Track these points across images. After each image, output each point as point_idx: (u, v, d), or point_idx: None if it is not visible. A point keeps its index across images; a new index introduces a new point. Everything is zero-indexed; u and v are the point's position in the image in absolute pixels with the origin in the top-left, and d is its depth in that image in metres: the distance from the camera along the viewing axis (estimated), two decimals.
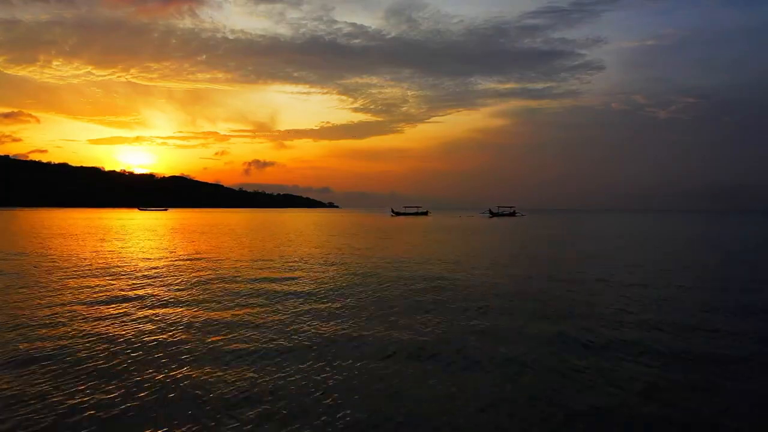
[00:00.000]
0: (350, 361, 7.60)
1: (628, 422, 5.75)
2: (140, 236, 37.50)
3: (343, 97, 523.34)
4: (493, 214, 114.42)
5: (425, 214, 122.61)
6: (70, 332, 9.07)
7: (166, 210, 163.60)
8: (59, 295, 12.91)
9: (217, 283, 15.07)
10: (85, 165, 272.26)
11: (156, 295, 13.08)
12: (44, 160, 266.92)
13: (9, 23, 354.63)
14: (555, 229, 59.00)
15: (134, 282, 15.28)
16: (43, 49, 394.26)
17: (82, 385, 6.52)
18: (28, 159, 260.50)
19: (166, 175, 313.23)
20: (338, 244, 31.69)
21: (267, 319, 10.35)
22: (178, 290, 13.74)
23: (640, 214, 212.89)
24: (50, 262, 19.92)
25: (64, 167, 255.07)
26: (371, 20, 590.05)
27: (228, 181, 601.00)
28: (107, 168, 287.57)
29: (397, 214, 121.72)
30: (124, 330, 9.33)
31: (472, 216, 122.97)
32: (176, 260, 21.10)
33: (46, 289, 13.65)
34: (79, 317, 10.38)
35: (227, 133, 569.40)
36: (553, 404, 6.18)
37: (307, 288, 14.32)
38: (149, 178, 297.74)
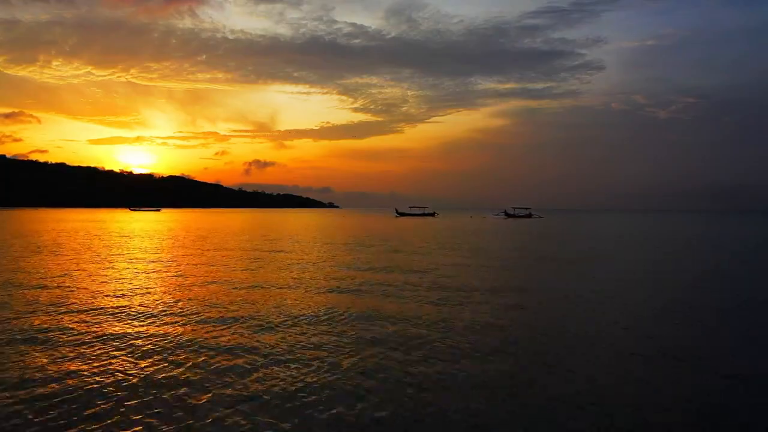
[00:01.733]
0: None
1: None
2: (85, 245, 28.88)
3: (343, 97, 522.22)
4: (508, 216, 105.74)
5: (433, 215, 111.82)
6: None
7: (158, 210, 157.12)
8: None
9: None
10: (82, 165, 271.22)
11: None
12: (41, 160, 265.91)
13: (9, 23, 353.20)
14: (597, 233, 52.40)
15: None
16: (43, 49, 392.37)
17: None
18: (26, 159, 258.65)
19: (165, 175, 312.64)
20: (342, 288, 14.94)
21: None
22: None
23: (640, 214, 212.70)
24: None
25: (61, 167, 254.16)
26: (371, 20, 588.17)
27: (228, 181, 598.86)
28: (107, 168, 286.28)
29: (402, 215, 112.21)
30: None
31: (484, 217, 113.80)
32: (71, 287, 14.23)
33: None
34: None
35: (227, 133, 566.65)
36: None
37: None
38: (148, 178, 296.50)
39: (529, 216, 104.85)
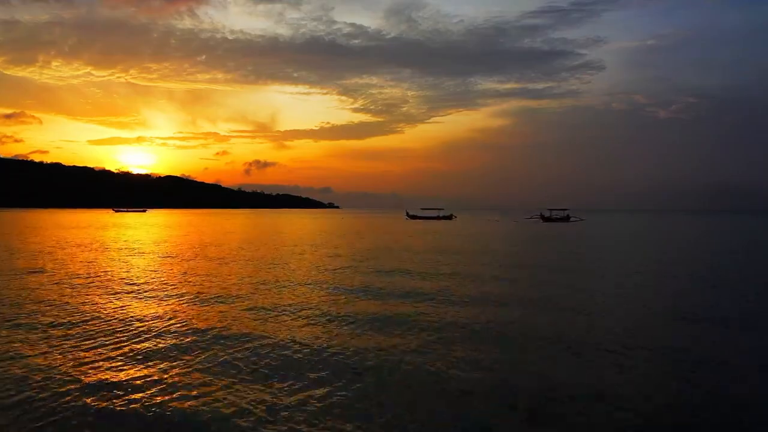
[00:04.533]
0: None
1: None
2: None
3: (343, 98, 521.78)
4: (545, 219, 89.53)
5: (449, 218, 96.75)
6: None
7: (144, 212, 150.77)
8: None
9: None
10: (78, 165, 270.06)
11: None
12: (37, 161, 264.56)
13: (9, 24, 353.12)
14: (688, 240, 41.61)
15: None
16: (43, 50, 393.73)
17: None
18: (20, 159, 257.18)
19: (162, 175, 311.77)
20: None
21: None
22: None
23: (639, 213, 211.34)
24: None
25: (56, 167, 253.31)
26: (371, 20, 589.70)
27: (229, 181, 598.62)
28: (107, 168, 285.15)
29: (414, 217, 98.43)
30: None
31: (515, 221, 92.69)
32: None
33: None
34: None
35: (227, 134, 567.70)
36: None
37: None
38: (145, 177, 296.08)
39: (567, 219, 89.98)
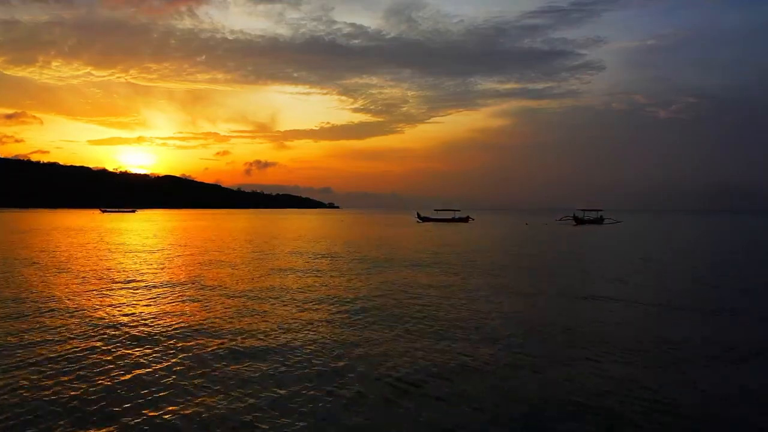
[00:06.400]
0: None
1: None
2: None
3: (343, 98, 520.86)
4: (578, 221, 79.56)
5: (465, 220, 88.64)
6: None
7: (133, 212, 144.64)
8: None
9: None
10: (76, 165, 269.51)
11: None
12: (34, 160, 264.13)
13: (9, 24, 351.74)
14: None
15: None
16: (43, 50, 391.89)
17: None
18: (19, 159, 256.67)
19: (161, 175, 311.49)
20: None
21: None
22: None
23: (639, 213, 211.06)
24: None
25: (52, 167, 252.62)
26: (371, 20, 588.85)
27: (229, 181, 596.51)
28: (106, 169, 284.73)
29: (426, 220, 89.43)
30: None
31: (546, 224, 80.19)
32: None
33: None
34: None
35: (227, 134, 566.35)
36: None
37: None
38: (144, 177, 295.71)
39: (601, 221, 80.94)
